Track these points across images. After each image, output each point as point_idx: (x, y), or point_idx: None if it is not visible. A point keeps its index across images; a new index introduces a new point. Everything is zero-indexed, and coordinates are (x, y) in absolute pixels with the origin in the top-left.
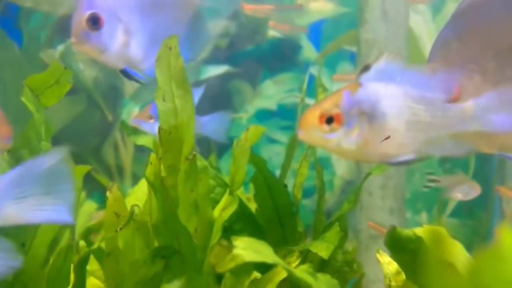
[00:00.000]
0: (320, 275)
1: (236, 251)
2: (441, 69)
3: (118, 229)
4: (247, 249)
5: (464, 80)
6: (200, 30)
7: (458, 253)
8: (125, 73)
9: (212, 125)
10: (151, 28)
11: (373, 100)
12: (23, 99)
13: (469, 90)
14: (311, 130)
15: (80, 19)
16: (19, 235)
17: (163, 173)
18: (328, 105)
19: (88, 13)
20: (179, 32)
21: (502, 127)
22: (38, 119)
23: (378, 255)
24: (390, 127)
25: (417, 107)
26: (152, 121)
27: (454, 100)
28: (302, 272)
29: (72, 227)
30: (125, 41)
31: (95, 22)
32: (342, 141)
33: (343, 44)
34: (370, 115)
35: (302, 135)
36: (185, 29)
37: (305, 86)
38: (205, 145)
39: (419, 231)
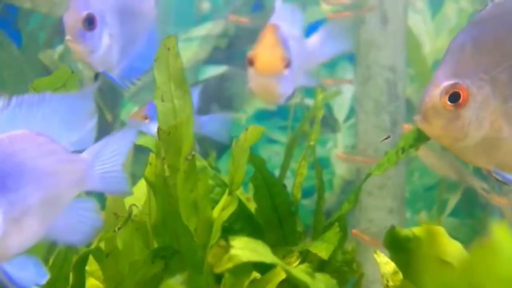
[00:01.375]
0: (318, 275)
1: (233, 251)
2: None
3: (116, 229)
4: (244, 249)
5: (474, 89)
6: (152, 41)
7: (457, 252)
8: (97, 77)
9: (213, 125)
10: (123, 35)
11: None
12: None
13: (478, 100)
14: None
15: (77, 18)
16: None
17: (166, 173)
18: None
19: (85, 12)
20: (142, 42)
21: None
22: None
23: (375, 255)
24: (296, 63)
25: (299, 44)
26: (147, 121)
27: (461, 105)
28: (300, 271)
29: None
30: (110, 45)
31: (90, 22)
32: None
33: None
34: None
35: None
36: (144, 39)
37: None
38: (204, 145)
39: (417, 230)
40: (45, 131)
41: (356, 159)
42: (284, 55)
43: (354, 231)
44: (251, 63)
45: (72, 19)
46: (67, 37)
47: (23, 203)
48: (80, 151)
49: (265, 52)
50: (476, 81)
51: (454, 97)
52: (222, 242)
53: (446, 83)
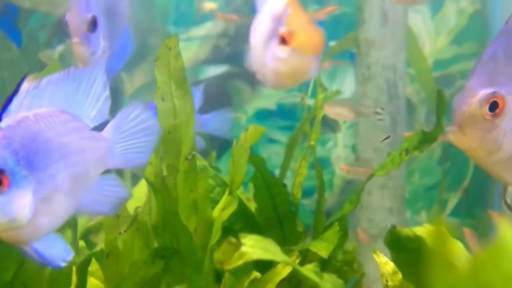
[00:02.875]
0: (325, 275)
1: (244, 248)
2: None
3: (122, 232)
4: (255, 247)
5: (509, 98)
6: (126, 41)
7: (459, 252)
8: None
9: (214, 123)
10: (109, 36)
11: None
12: None
13: None
14: None
15: (83, 20)
16: None
17: (164, 172)
18: None
19: (90, 15)
20: (120, 42)
21: None
22: None
23: (374, 255)
24: None
25: None
26: None
27: (498, 114)
28: (309, 271)
29: (74, 228)
30: (104, 46)
31: (94, 24)
32: None
33: (344, 46)
34: None
35: None
36: (121, 40)
37: (311, 85)
38: (205, 145)
39: (419, 230)
40: (69, 108)
41: (359, 171)
42: (323, 33)
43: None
44: (285, 41)
45: (78, 21)
46: (75, 40)
47: (52, 182)
48: (98, 127)
49: (305, 28)
50: (510, 90)
51: (492, 106)
52: (233, 239)
53: (485, 91)
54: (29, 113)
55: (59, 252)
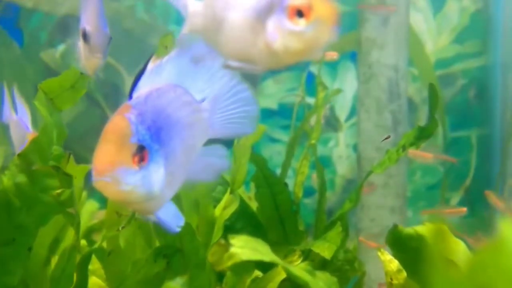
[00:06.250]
0: (318, 273)
1: (233, 249)
2: None
3: (120, 228)
4: (244, 247)
5: None
6: None
7: (461, 251)
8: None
9: None
10: None
11: None
12: (36, 103)
13: None
14: None
15: (107, 36)
16: (26, 240)
17: None
18: None
19: (108, 29)
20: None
21: None
22: (50, 123)
23: (379, 253)
24: None
25: None
26: None
27: None
28: (300, 270)
29: (77, 227)
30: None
31: (110, 38)
32: None
33: (345, 45)
34: None
35: None
36: None
37: (302, 84)
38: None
39: (420, 228)
40: (181, 82)
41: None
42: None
43: (361, 238)
44: (301, 13)
45: (101, 37)
46: (98, 55)
47: (173, 155)
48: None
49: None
50: None
51: None
52: (222, 241)
53: None
54: (152, 89)
55: (174, 218)
